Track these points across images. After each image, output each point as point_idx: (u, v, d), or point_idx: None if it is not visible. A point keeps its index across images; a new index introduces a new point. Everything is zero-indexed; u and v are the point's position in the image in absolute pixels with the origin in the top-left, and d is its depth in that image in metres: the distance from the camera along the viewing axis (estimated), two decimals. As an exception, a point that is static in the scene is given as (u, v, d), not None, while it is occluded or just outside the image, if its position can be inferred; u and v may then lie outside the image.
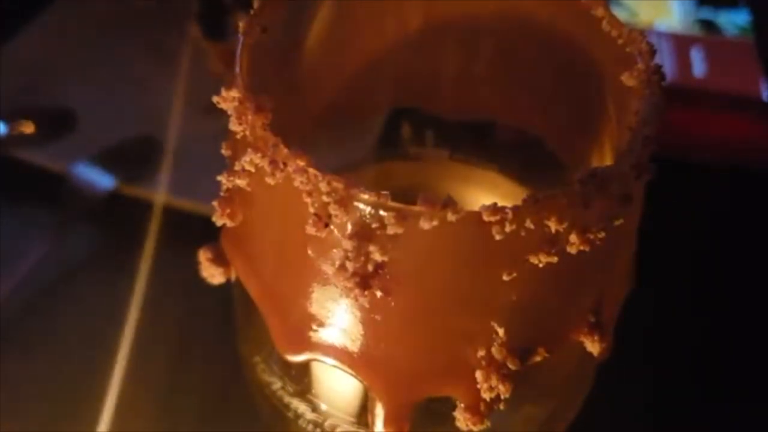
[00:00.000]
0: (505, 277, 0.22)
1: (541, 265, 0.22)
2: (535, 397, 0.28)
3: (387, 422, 0.25)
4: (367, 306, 0.23)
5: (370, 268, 0.22)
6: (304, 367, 0.28)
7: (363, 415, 0.27)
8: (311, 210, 0.22)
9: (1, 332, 0.48)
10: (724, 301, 0.53)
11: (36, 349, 0.48)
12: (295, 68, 0.30)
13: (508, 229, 0.21)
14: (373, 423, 0.26)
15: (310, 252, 0.23)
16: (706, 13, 0.67)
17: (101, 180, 0.53)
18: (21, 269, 0.50)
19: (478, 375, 0.24)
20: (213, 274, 0.29)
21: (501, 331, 0.23)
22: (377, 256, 0.22)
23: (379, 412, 0.25)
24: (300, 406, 0.29)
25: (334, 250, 0.23)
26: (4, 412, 0.45)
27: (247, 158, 0.24)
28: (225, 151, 0.26)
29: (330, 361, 0.25)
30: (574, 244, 0.22)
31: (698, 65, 0.63)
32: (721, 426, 0.48)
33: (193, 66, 0.59)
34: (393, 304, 0.23)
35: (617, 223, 0.23)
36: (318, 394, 0.29)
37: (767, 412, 0.49)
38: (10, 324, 0.48)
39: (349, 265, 0.22)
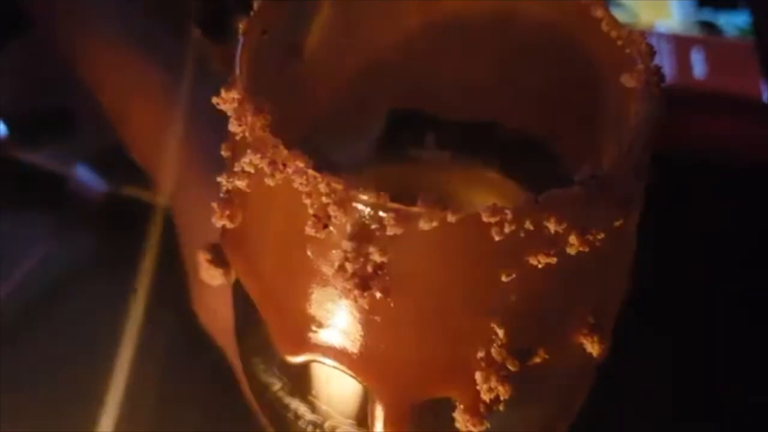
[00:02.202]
0: (504, 278, 0.22)
1: (540, 266, 0.22)
2: (535, 399, 0.28)
3: (387, 423, 0.25)
4: (366, 307, 0.23)
5: (369, 269, 0.22)
6: (304, 368, 0.28)
7: (363, 416, 0.27)
8: (310, 211, 0.22)
9: (2, 333, 0.48)
10: (725, 300, 0.53)
11: (36, 350, 0.48)
12: (295, 70, 0.30)
13: (507, 229, 0.21)
14: (372, 424, 0.26)
15: (309, 253, 0.23)
16: (707, 15, 0.67)
17: (101, 181, 0.53)
18: (21, 270, 0.50)
19: (478, 376, 0.24)
20: (213, 276, 0.29)
21: (501, 332, 0.23)
22: (376, 257, 0.22)
23: (379, 413, 0.25)
24: (300, 407, 0.29)
25: (334, 251, 0.23)
26: (4, 412, 0.45)
27: (246, 159, 0.24)
28: (224, 153, 0.26)
29: (330, 362, 0.25)
30: (574, 245, 0.22)
31: (698, 66, 0.63)
32: (722, 425, 0.48)
33: (193, 68, 0.59)
34: (392, 305, 0.23)
35: (617, 224, 0.23)
36: (318, 395, 0.29)
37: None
38: (11, 325, 0.48)
39: (349, 266, 0.22)
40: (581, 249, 0.22)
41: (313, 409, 0.29)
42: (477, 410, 0.24)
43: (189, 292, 0.44)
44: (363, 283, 0.22)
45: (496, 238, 0.21)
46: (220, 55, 0.58)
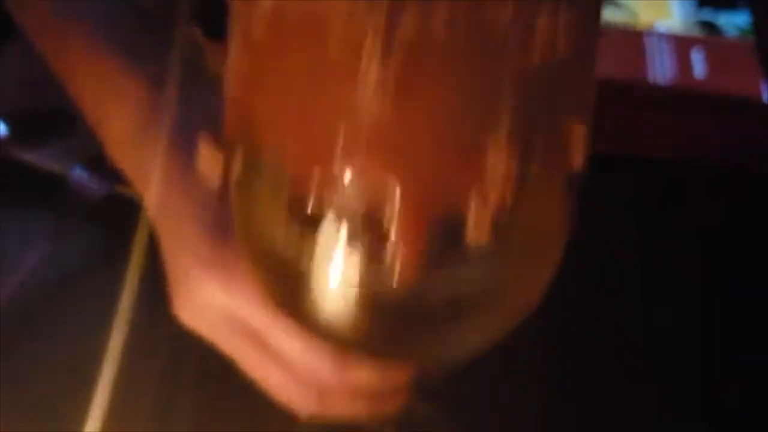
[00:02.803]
0: (506, 80, 0.25)
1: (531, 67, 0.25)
2: (514, 252, 0.30)
3: (406, 241, 0.27)
4: (387, 116, 0.25)
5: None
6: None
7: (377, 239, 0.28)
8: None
9: (2, 333, 0.48)
10: (724, 298, 0.54)
11: (36, 350, 0.48)
12: None
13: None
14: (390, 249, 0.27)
15: (335, 75, 0.25)
16: (707, 15, 0.67)
17: (100, 181, 0.53)
18: (21, 271, 0.50)
19: (488, 179, 0.26)
20: (213, 161, 0.29)
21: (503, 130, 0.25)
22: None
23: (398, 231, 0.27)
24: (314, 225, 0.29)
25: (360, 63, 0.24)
26: (4, 412, 0.45)
27: None
28: None
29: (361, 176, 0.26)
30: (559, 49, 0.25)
31: (699, 66, 0.63)
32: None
33: (185, 72, 0.59)
34: (411, 116, 0.25)
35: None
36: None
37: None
38: (11, 325, 0.48)
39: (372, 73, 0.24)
40: (564, 48, 0.25)
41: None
42: (484, 222, 0.26)
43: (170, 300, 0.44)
44: (384, 89, 0.24)
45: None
46: (219, 54, 0.58)
